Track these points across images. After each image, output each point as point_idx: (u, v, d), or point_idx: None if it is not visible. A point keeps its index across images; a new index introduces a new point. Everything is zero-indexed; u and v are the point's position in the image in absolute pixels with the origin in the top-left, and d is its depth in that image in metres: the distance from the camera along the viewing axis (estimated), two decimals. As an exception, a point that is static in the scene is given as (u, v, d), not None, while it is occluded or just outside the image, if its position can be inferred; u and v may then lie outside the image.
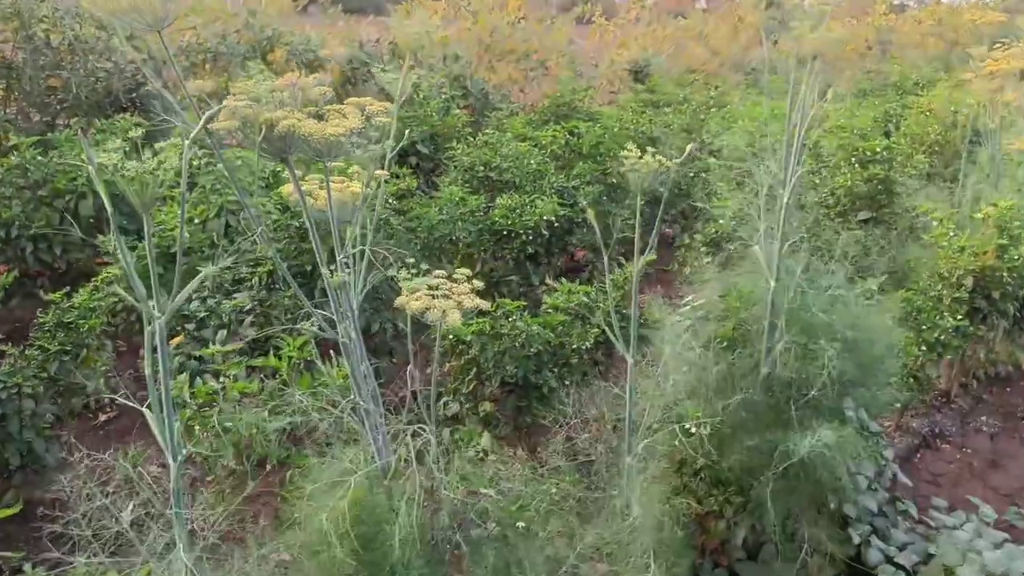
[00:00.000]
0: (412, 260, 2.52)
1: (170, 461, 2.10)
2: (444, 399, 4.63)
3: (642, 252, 3.40)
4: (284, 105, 2.27)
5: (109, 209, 1.94)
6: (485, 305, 2.48)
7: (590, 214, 2.98)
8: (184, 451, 2.10)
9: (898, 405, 4.87)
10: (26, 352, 4.05)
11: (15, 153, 6.14)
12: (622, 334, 3.22)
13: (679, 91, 11.40)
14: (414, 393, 2.86)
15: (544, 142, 7.79)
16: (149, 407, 2.21)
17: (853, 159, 7.17)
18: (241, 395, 3.75)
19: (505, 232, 5.81)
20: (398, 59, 10.64)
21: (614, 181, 7.06)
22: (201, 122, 2.00)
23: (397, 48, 10.75)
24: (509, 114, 9.71)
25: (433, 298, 2.50)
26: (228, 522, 3.35)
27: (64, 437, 4.64)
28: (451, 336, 4.38)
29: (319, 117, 2.29)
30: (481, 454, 2.90)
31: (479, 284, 2.57)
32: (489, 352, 4.35)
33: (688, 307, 4.05)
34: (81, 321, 4.04)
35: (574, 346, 4.57)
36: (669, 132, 7.90)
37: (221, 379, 3.74)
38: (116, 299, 5.25)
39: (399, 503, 2.54)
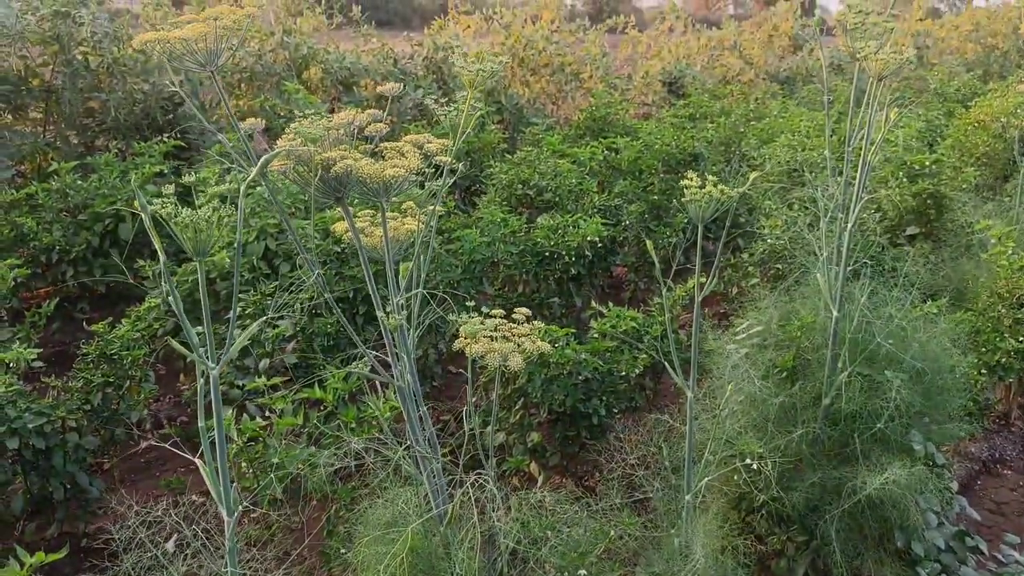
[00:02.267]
0: (471, 303, 2.42)
1: (225, 517, 2.01)
2: (489, 428, 4.52)
3: (689, 276, 3.27)
4: (339, 143, 2.19)
5: (162, 258, 1.86)
6: (547, 348, 2.37)
7: (650, 246, 2.86)
8: (240, 507, 2.01)
9: (963, 435, 4.69)
10: (69, 384, 4.01)
11: (55, 178, 6.14)
12: (672, 362, 3.09)
13: (715, 103, 11.27)
14: (472, 435, 2.76)
15: (583, 158, 7.69)
16: (200, 455, 2.13)
17: (901, 173, 7.00)
18: (288, 430, 3.67)
19: (548, 254, 5.70)
20: (432, 74, 10.60)
21: (655, 199, 6.93)
22: (257, 167, 1.91)
23: (431, 63, 10.70)
24: (545, 129, 9.63)
25: (492, 339, 2.41)
26: (275, 553, 3.28)
27: (107, 465, 4.60)
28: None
29: (375, 155, 2.21)
30: (539, 495, 2.79)
31: (540, 325, 2.47)
32: (537, 381, 4.24)
33: (744, 335, 3.91)
34: (124, 353, 3.99)
35: (622, 373, 4.45)
36: (708, 148, 7.75)
37: (267, 413, 3.66)
38: (158, 324, 5.22)
39: (458, 552, 2.43)
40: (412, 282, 2.58)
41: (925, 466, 3.67)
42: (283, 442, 3.47)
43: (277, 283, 4.83)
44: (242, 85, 9.15)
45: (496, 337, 2.40)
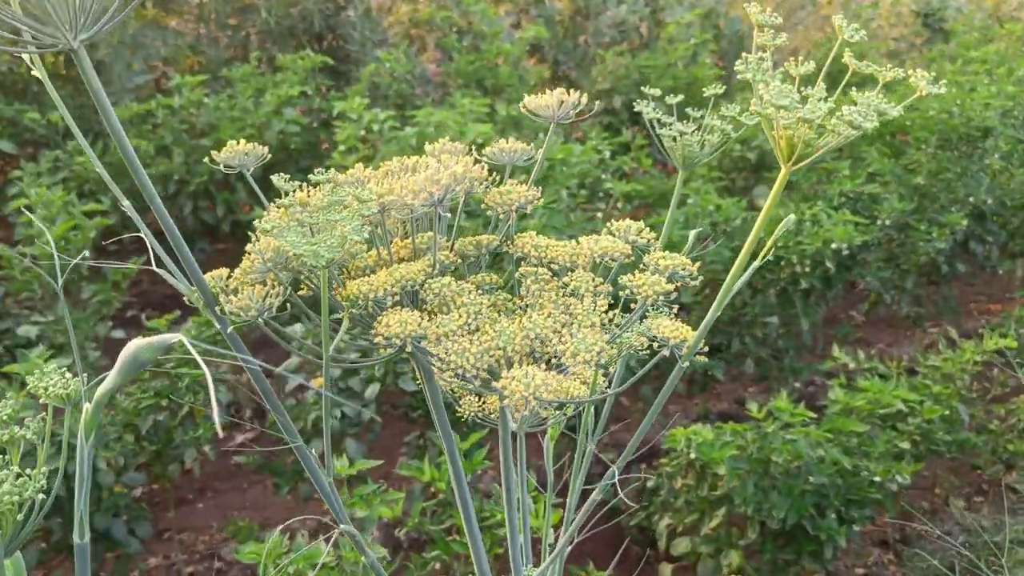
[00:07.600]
0: None
1: None
2: (667, 523, 3.19)
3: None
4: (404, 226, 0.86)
5: None
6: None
7: None
8: None
9: None
10: (114, 401, 2.99)
11: (178, 94, 5.16)
12: None
13: (988, 47, 8.97)
14: None
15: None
16: None
17: None
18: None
19: (770, 257, 4.19)
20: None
21: (920, 183, 5.19)
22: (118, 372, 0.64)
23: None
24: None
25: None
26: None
27: (158, 498, 3.63)
28: (687, 451, 2.90)
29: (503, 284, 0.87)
30: None
31: None
32: (749, 487, 2.85)
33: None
34: (181, 369, 2.92)
35: (875, 478, 2.97)
36: (1002, 120, 5.72)
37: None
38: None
39: None
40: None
41: None
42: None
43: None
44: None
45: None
